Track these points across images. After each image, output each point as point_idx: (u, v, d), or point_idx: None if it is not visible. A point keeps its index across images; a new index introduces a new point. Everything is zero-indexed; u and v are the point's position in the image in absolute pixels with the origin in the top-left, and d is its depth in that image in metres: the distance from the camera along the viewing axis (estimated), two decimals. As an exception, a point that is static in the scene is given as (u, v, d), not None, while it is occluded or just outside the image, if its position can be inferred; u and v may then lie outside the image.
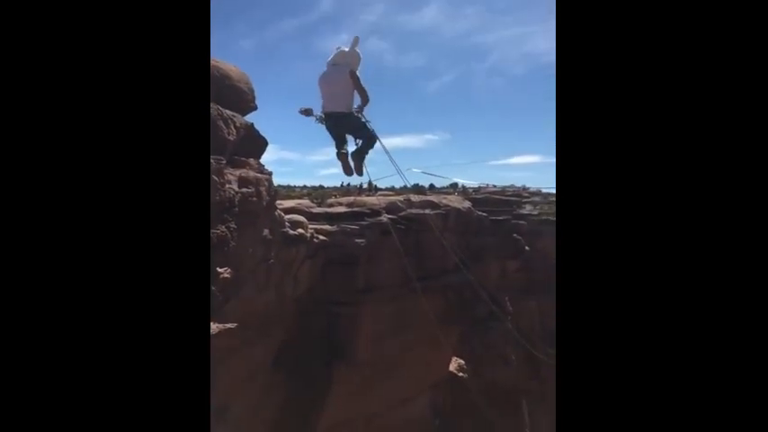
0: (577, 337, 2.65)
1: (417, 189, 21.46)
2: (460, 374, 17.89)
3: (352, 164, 7.04)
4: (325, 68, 6.81)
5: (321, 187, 20.81)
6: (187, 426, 2.57)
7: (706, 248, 2.48)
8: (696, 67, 2.53)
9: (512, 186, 24.54)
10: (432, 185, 23.36)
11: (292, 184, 20.39)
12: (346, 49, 6.72)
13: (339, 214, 14.70)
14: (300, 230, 12.10)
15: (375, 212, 15.19)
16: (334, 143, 7.01)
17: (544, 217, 20.82)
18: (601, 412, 2.54)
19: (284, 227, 11.45)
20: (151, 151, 2.61)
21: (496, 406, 18.97)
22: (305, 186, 20.80)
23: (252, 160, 10.16)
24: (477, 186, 24.29)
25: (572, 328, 2.66)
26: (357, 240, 14.01)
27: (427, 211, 16.42)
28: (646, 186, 2.56)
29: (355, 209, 15.13)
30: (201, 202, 2.71)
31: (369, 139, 6.98)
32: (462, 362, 18.40)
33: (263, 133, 10.60)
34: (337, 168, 7.58)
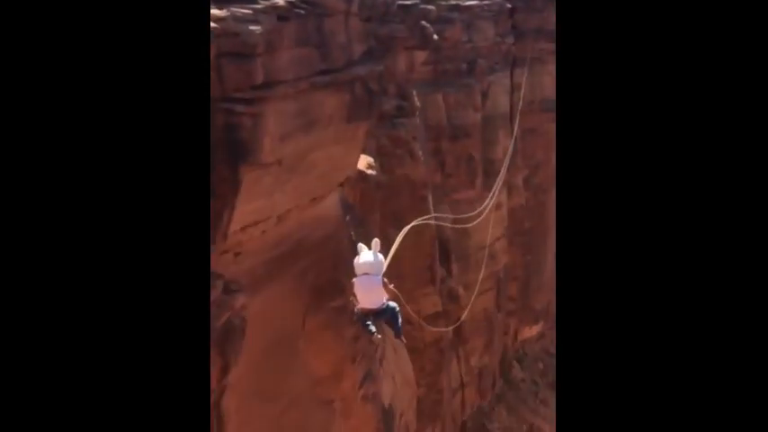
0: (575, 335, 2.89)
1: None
2: (369, 171, 18.00)
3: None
4: (356, 273, 9.03)
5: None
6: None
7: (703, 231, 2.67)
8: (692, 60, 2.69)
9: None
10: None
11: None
12: (371, 258, 8.92)
13: (227, -5, 12.76)
14: (182, 13, 10.29)
15: (270, -7, 13.41)
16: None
17: (454, 2, 19.54)
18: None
19: (161, 7, 9.61)
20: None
21: (403, 199, 19.72)
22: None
23: None
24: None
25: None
26: (252, 27, 12.53)
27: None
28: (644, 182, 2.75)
29: (246, -11, 13.20)
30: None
31: (395, 314, 9.38)
32: (371, 159, 18.46)
33: None
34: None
